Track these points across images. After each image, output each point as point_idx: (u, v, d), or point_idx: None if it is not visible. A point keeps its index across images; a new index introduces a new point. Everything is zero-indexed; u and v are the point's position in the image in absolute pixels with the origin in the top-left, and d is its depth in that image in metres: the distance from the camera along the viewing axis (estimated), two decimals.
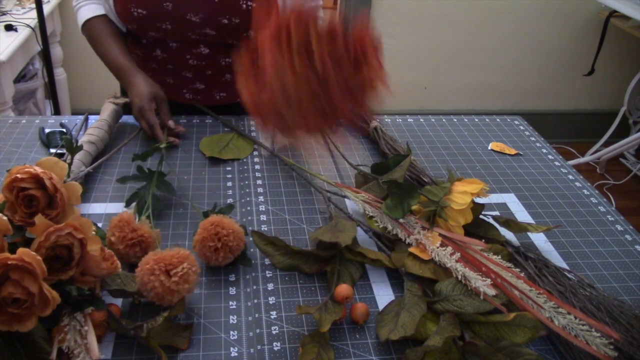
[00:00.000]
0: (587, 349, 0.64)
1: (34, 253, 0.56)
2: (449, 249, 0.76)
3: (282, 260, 0.77)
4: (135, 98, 1.05)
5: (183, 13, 1.07)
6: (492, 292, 0.69)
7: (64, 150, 0.98)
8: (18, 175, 0.62)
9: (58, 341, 0.59)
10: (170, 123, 1.06)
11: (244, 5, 1.06)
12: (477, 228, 0.85)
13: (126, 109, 1.16)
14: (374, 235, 0.84)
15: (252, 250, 0.82)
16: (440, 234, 0.80)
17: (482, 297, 0.69)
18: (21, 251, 0.56)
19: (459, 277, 0.72)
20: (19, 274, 0.55)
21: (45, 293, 0.56)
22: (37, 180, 0.62)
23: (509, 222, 0.86)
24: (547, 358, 0.69)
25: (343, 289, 0.71)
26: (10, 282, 0.55)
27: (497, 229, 0.85)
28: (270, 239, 0.78)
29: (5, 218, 0.59)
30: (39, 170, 0.62)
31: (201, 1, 1.06)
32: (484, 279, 0.71)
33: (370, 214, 0.86)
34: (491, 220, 0.87)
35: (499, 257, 0.76)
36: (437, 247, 0.77)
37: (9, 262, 0.55)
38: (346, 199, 0.93)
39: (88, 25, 1.14)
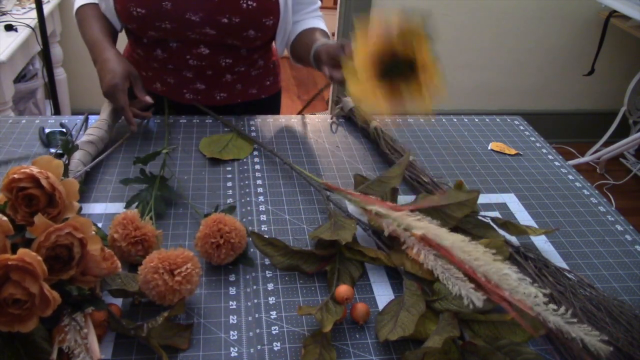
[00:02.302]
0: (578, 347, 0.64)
1: (34, 253, 0.56)
2: (432, 256, 0.72)
3: (282, 261, 0.77)
4: (107, 75, 1.00)
5: (182, 12, 1.07)
6: (479, 300, 0.66)
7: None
8: (15, 176, 0.62)
9: (58, 341, 0.59)
10: (147, 99, 1.03)
11: (244, 5, 1.06)
12: (476, 228, 0.85)
13: None
14: (374, 234, 0.84)
15: (252, 250, 0.82)
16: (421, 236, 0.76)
17: (466, 302, 0.65)
18: (22, 252, 0.56)
19: (447, 283, 0.69)
20: (19, 274, 0.55)
21: (46, 293, 0.56)
22: (34, 179, 0.62)
23: (508, 224, 0.85)
24: (546, 358, 0.69)
25: (343, 289, 0.71)
26: (11, 282, 0.55)
27: (495, 230, 0.85)
28: (269, 240, 0.78)
29: (5, 219, 0.59)
30: (35, 170, 0.62)
31: (201, 0, 1.06)
32: (470, 283, 0.66)
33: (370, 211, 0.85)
34: (490, 222, 0.87)
35: (494, 252, 0.75)
36: (428, 255, 0.73)
37: (10, 263, 0.55)
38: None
39: (78, 12, 1.15)
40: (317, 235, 0.79)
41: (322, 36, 1.11)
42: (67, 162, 0.92)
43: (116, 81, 0.99)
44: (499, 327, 0.67)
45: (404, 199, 0.95)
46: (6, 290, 0.55)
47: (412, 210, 0.86)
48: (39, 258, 0.56)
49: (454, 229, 0.85)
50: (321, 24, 1.19)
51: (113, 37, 1.14)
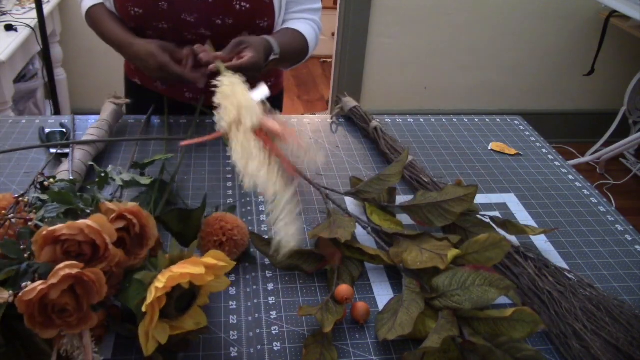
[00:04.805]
0: None
1: (102, 274, 0.57)
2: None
3: (282, 261, 0.77)
4: (147, 59, 1.01)
5: (178, 13, 1.07)
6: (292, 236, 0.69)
7: (65, 150, 0.98)
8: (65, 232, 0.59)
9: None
10: (186, 50, 1.02)
11: (238, 6, 1.06)
12: (475, 227, 0.85)
13: (126, 109, 1.16)
14: (373, 232, 0.84)
15: (252, 250, 0.82)
16: None
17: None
18: (92, 271, 0.57)
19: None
20: (83, 288, 0.56)
21: (89, 313, 0.57)
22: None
23: (506, 223, 0.85)
24: (547, 358, 0.69)
25: (343, 289, 0.71)
26: (70, 293, 0.56)
27: (495, 229, 0.85)
28: (268, 240, 0.78)
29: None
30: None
31: (196, 1, 1.06)
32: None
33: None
34: (489, 221, 0.87)
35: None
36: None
37: (84, 277, 0.56)
38: (345, 198, 0.93)
39: (89, 13, 1.15)
40: (316, 234, 0.79)
41: (282, 36, 1.10)
42: (71, 161, 0.92)
43: (159, 59, 0.99)
44: (498, 324, 0.67)
45: (403, 198, 0.95)
46: (63, 297, 0.55)
47: (406, 207, 0.86)
48: (104, 281, 0.57)
49: (452, 226, 0.85)
50: (300, 25, 1.14)
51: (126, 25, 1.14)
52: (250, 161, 0.73)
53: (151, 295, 0.57)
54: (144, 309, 0.58)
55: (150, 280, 0.60)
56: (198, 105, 1.19)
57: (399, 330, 0.66)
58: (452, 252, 0.75)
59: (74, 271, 0.55)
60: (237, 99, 0.81)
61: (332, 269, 0.77)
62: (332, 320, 0.67)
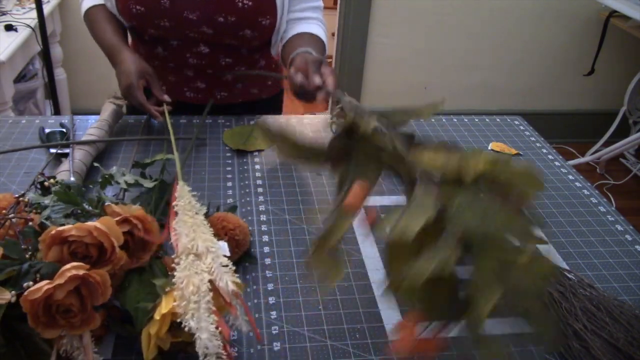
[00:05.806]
0: None
1: (108, 277, 0.57)
2: None
3: (292, 152, 0.70)
4: (122, 76, 1.03)
5: (180, 11, 1.07)
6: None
7: (65, 150, 0.98)
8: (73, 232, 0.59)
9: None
10: (165, 97, 1.06)
11: (240, 4, 1.06)
12: None
13: (126, 109, 1.16)
14: (390, 129, 0.71)
15: (252, 250, 0.82)
16: None
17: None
18: (98, 272, 0.57)
19: None
20: (88, 289, 0.56)
21: (94, 314, 0.58)
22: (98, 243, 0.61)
23: None
24: (547, 358, 0.69)
25: (356, 193, 0.63)
26: (75, 294, 0.56)
27: None
28: (279, 131, 0.71)
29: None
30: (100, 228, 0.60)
31: None
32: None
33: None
34: None
35: None
36: None
37: (90, 277, 0.56)
38: None
39: (87, 13, 1.15)
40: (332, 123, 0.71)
41: (310, 43, 1.07)
42: (71, 161, 0.92)
43: (130, 81, 1.02)
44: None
45: (399, 199, 0.94)
46: (68, 298, 0.55)
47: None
48: (109, 282, 0.57)
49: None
50: (315, 29, 1.13)
51: (125, 36, 1.15)
52: (189, 298, 0.56)
53: (169, 305, 0.56)
54: (157, 316, 0.57)
55: (169, 288, 0.58)
56: (207, 106, 1.18)
57: (399, 231, 0.55)
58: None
59: (81, 272, 0.55)
60: (202, 238, 0.63)
61: (341, 171, 0.68)
62: (338, 272, 0.62)
